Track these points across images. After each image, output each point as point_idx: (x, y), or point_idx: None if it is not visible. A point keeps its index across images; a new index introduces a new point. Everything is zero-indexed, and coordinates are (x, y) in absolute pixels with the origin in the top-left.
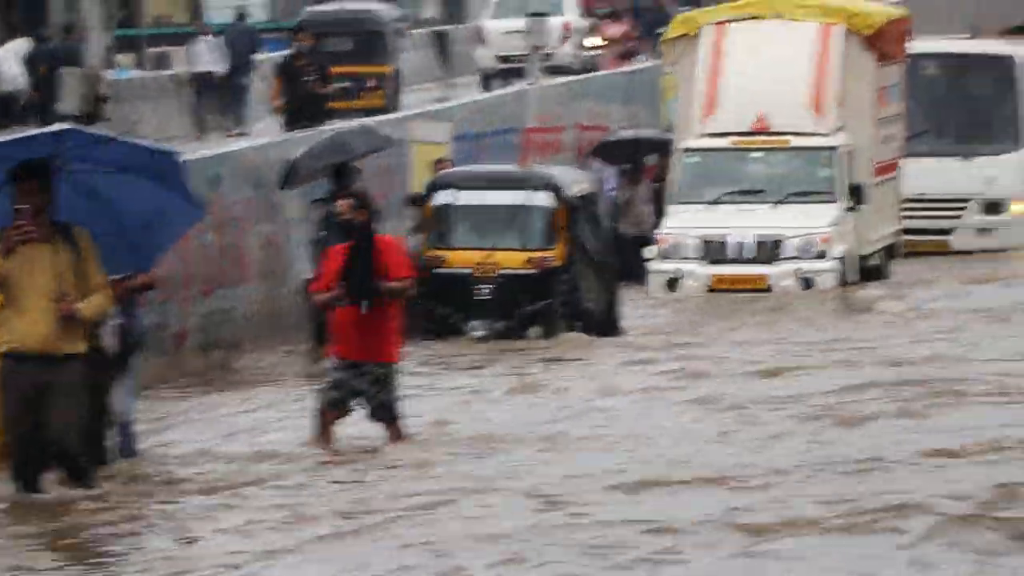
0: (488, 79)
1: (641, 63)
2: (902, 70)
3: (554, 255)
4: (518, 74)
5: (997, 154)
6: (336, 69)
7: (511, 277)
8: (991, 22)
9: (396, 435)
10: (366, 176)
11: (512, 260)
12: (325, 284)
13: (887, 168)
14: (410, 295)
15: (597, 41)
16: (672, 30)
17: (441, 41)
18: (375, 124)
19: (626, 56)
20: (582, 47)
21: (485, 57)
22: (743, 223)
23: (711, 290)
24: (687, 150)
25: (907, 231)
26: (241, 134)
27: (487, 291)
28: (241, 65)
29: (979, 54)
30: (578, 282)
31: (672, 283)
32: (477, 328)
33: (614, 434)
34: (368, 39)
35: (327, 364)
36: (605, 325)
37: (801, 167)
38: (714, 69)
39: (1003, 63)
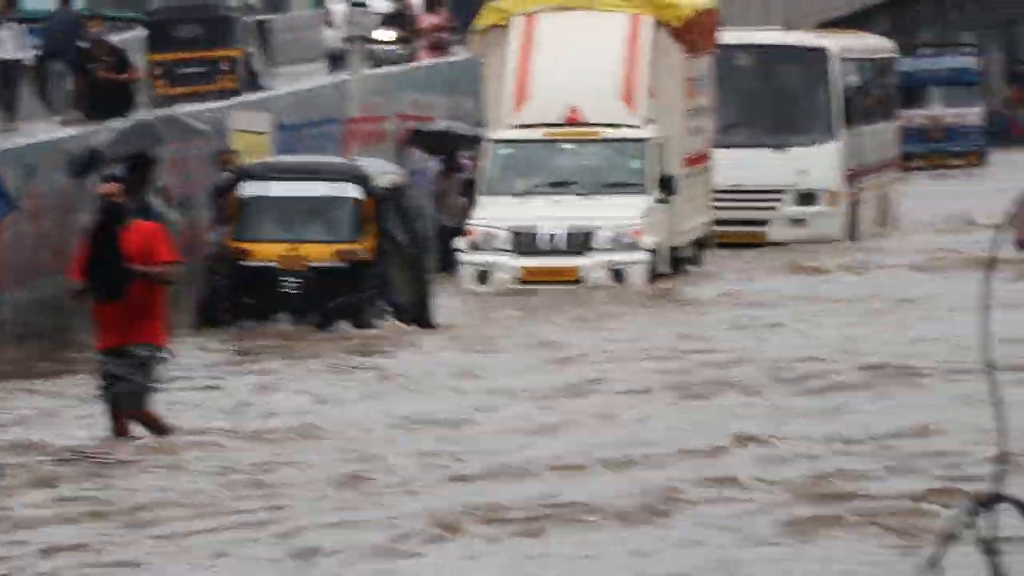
0: (335, 60)
1: (456, 55)
2: (711, 62)
3: (363, 248)
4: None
5: (811, 145)
6: (188, 55)
7: (319, 270)
8: (804, 18)
9: (147, 425)
10: (190, 165)
11: (320, 253)
12: (78, 272)
13: (698, 159)
14: (168, 280)
15: (387, 35)
16: (482, 20)
17: (262, 31)
18: (186, 114)
19: (438, 47)
20: (368, 40)
21: (332, 39)
22: (554, 214)
23: (522, 282)
24: (497, 141)
25: (723, 222)
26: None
27: (294, 284)
28: (59, 52)
29: (792, 46)
30: (389, 275)
31: (483, 275)
32: (281, 321)
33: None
34: (217, 24)
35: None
36: (418, 319)
37: (612, 159)
38: (524, 60)
39: (817, 55)
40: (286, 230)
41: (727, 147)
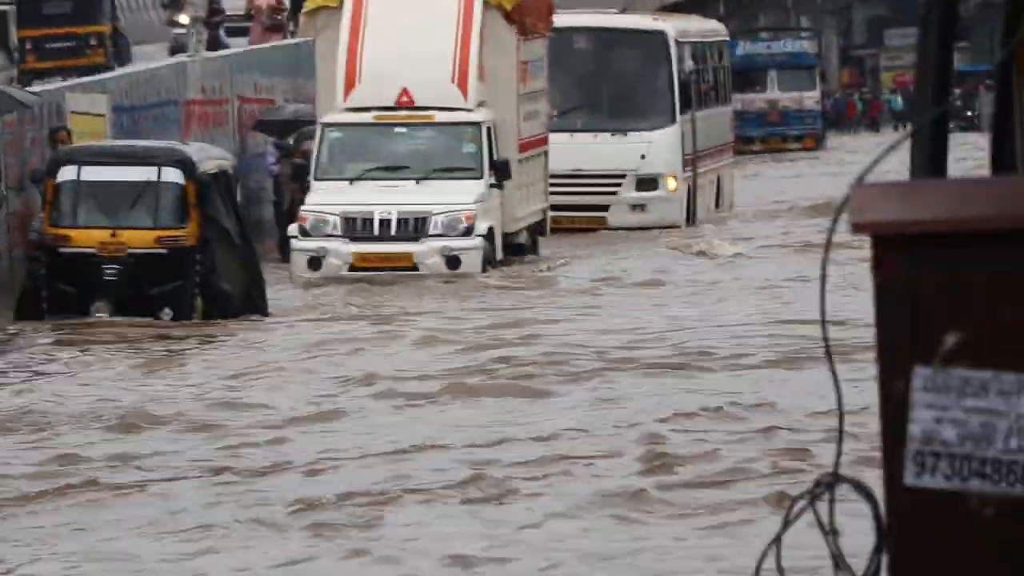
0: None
1: (291, 37)
2: (545, 45)
3: (185, 234)
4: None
5: (651, 129)
6: (58, 30)
7: (139, 257)
8: (645, 2)
9: None
10: (25, 148)
11: (140, 239)
12: None
13: (533, 144)
14: None
15: (182, 19)
16: (311, 2)
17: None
18: (17, 89)
19: (273, 29)
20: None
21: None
22: (387, 200)
23: (354, 268)
24: (328, 125)
25: (563, 207)
26: None
27: (113, 271)
28: None
29: (632, 29)
30: (214, 262)
31: (314, 262)
32: (101, 309)
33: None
34: (85, 1)
35: None
36: (246, 307)
37: (445, 143)
38: (354, 42)
39: (657, 38)
40: (105, 216)
41: (566, 131)
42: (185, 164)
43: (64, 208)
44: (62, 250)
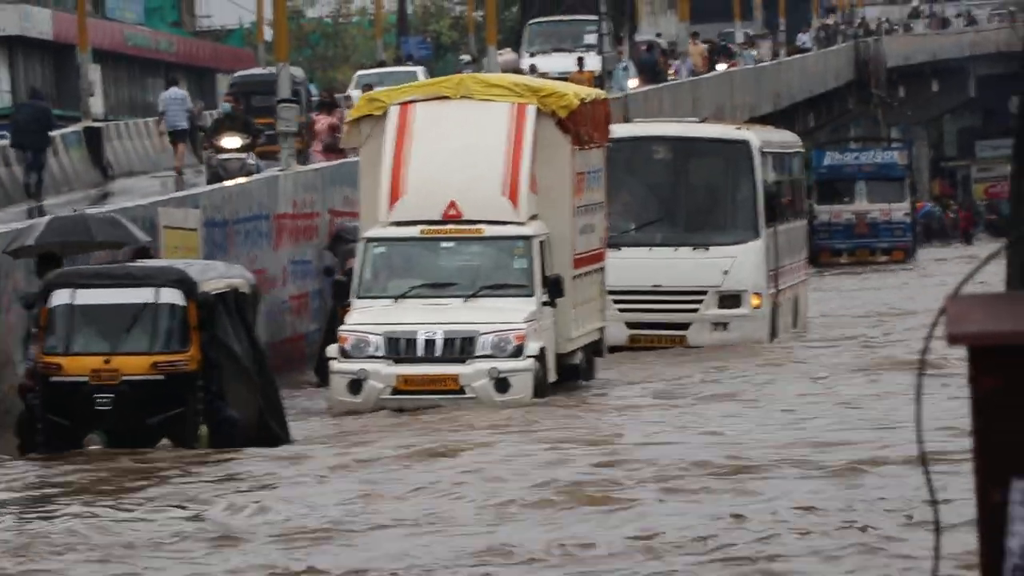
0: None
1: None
2: (603, 155)
3: (186, 359)
4: None
5: (735, 243)
6: None
7: (134, 384)
8: (734, 113)
9: None
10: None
11: (135, 365)
12: None
13: (588, 259)
14: None
15: (232, 142)
16: (357, 110)
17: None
18: (125, 217)
19: (330, 150)
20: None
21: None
22: (432, 319)
23: (397, 392)
24: (371, 240)
25: (641, 325)
26: None
27: (106, 400)
28: None
29: (715, 138)
30: (220, 388)
31: (355, 385)
32: (94, 441)
33: None
34: None
35: None
36: (260, 435)
37: (494, 258)
38: (400, 153)
39: (741, 148)
40: (100, 342)
41: (644, 245)
42: (185, 284)
43: (57, 334)
44: (54, 379)
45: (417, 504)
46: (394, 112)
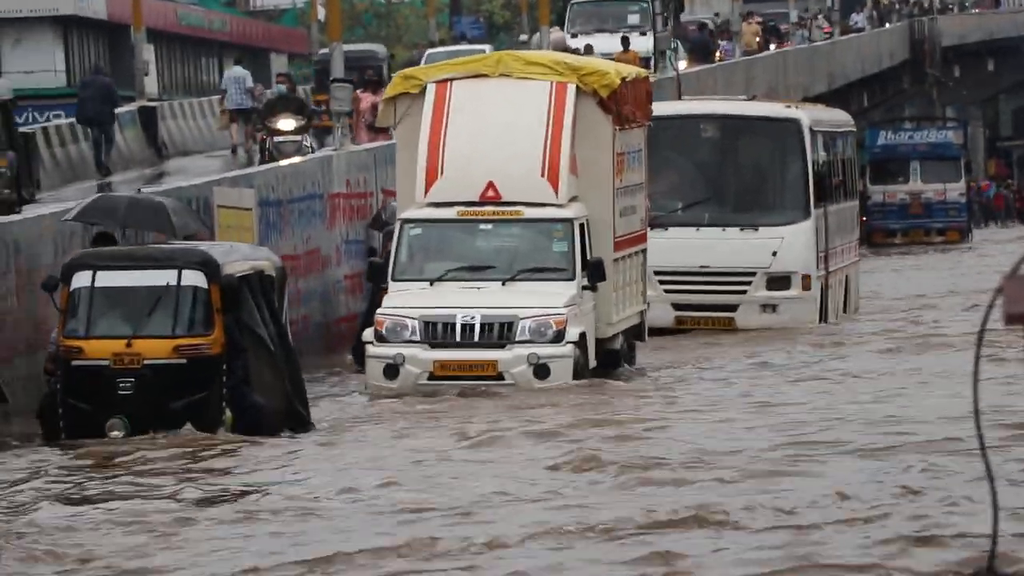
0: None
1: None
2: (644, 135)
3: (209, 342)
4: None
5: (785, 224)
6: None
7: (156, 368)
8: (787, 94)
9: None
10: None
11: (157, 349)
12: None
13: (630, 241)
14: None
15: (287, 124)
16: (392, 88)
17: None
18: (181, 205)
19: (376, 129)
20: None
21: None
22: (470, 303)
23: (434, 377)
24: (407, 221)
25: (688, 307)
26: None
27: (128, 385)
28: None
29: (764, 116)
30: (246, 373)
31: (391, 370)
32: (116, 427)
33: None
34: None
35: None
36: (287, 420)
37: (533, 241)
38: (438, 132)
39: (790, 126)
40: (121, 325)
41: (691, 225)
42: (208, 266)
43: (78, 318)
44: (75, 363)
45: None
46: (431, 90)
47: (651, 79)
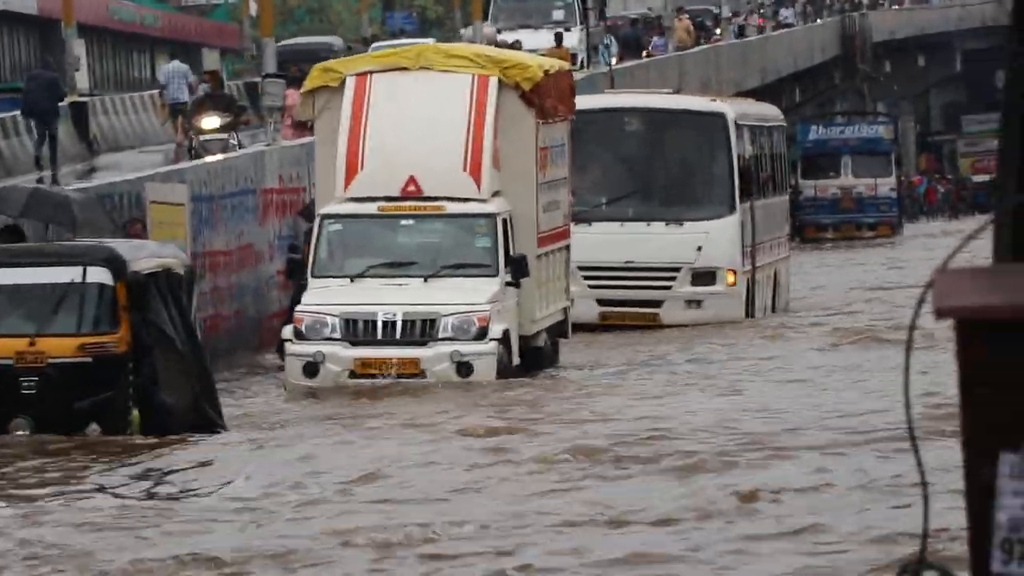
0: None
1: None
2: (567, 129)
3: (115, 340)
4: None
5: (709, 219)
6: None
7: (61, 367)
8: (720, 89)
9: None
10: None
11: (62, 347)
12: None
13: (553, 237)
14: None
15: (211, 122)
16: (311, 81)
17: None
18: (90, 200)
19: (301, 126)
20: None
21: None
22: (391, 299)
23: (354, 375)
24: (327, 216)
25: (612, 303)
26: None
27: (32, 384)
28: None
29: (688, 110)
30: (153, 371)
31: (310, 368)
32: (21, 427)
33: None
34: None
35: None
36: (194, 420)
37: (456, 236)
38: (358, 126)
39: (715, 120)
40: (24, 323)
41: (616, 220)
42: (114, 263)
43: None
44: None
45: None
46: (351, 83)
47: (582, 74)
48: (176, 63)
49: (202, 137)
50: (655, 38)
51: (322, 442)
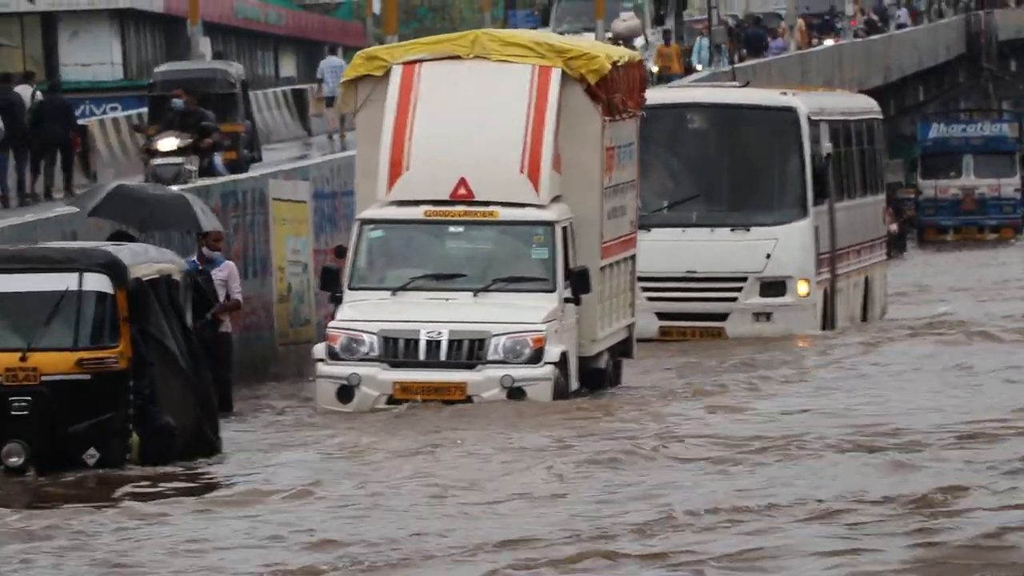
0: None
1: None
2: (636, 127)
3: (115, 355)
4: None
5: (778, 224)
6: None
7: (56, 385)
8: (842, 87)
9: None
10: (229, 234)
11: (57, 363)
12: None
13: (618, 247)
14: None
15: (169, 144)
16: (353, 69)
17: (299, 100)
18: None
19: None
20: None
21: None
22: (436, 316)
23: (393, 400)
24: (366, 222)
25: (674, 316)
26: None
27: (23, 404)
28: None
29: (756, 105)
30: (153, 390)
31: (345, 392)
32: (14, 452)
33: None
34: (220, 98)
35: None
36: (195, 444)
37: (510, 246)
38: (403, 121)
39: (785, 116)
40: (13, 336)
41: (678, 226)
42: (113, 268)
43: None
44: None
45: None
46: (397, 72)
47: (704, 73)
48: (332, 58)
49: (154, 161)
50: (771, 40)
51: None
